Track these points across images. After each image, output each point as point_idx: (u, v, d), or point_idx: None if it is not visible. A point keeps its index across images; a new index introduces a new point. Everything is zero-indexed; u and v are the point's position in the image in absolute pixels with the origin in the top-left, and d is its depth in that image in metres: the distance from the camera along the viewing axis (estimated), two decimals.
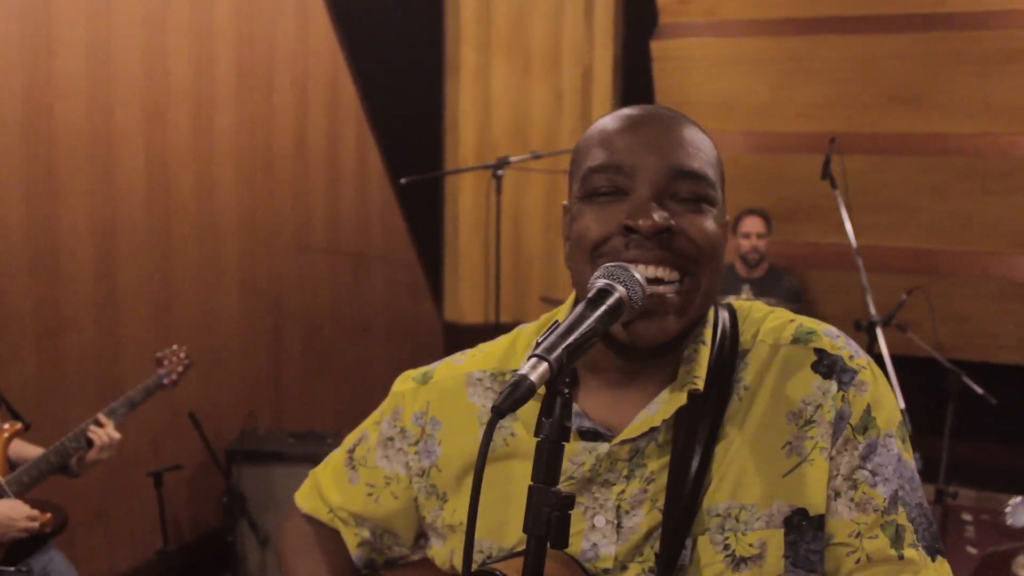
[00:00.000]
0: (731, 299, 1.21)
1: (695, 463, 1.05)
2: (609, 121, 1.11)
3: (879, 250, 4.79)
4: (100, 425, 2.65)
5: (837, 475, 1.05)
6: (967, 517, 4.57)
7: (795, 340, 1.09)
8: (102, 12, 3.30)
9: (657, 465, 1.07)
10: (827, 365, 1.07)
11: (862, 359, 1.08)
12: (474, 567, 1.15)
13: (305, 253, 4.36)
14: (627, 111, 1.12)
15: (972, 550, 4.21)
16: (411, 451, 1.23)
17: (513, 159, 4.05)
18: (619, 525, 1.07)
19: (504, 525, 1.14)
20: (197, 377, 3.77)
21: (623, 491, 1.08)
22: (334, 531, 1.32)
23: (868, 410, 1.05)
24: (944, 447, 3.96)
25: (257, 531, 3.58)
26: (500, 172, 4.00)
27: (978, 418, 4.26)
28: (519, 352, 1.21)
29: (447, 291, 5.48)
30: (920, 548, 1.03)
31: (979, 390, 3.87)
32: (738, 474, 1.05)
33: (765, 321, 1.13)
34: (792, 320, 1.12)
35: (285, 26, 4.14)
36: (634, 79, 5.35)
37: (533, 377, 0.86)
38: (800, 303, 4.68)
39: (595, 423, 1.10)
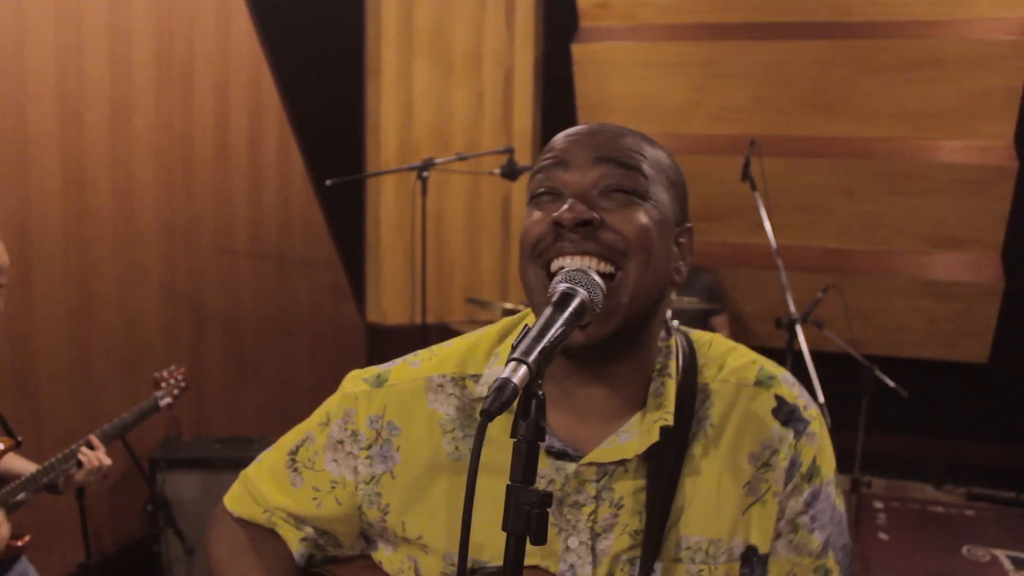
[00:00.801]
0: (687, 329, 1.24)
1: (667, 492, 1.09)
2: (559, 134, 1.15)
3: (795, 249, 4.95)
4: (92, 447, 2.61)
5: (782, 518, 1.12)
6: (879, 505, 4.76)
7: (758, 383, 1.15)
8: (13, 10, 3.19)
9: (625, 490, 1.10)
10: (786, 413, 1.13)
11: (813, 410, 1.15)
12: (450, 571, 1.16)
13: (227, 256, 4.28)
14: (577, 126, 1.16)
15: (884, 536, 4.38)
16: (362, 455, 1.21)
17: (438, 161, 4.06)
18: (593, 547, 1.10)
19: (477, 538, 1.13)
20: (117, 383, 3.67)
21: (593, 512, 1.11)
22: (270, 532, 1.29)
23: (814, 460, 1.12)
24: (859, 439, 4.11)
25: (184, 539, 3.50)
26: (425, 174, 4.00)
27: (889, 411, 4.43)
28: (479, 357, 1.21)
29: (369, 293, 5.45)
30: None
31: (891, 384, 4.02)
32: (706, 508, 1.10)
33: (728, 358, 1.18)
34: (754, 361, 1.18)
35: (205, 25, 4.06)
36: (555, 81, 5.41)
37: (515, 380, 0.87)
38: (719, 301, 4.80)
39: (563, 442, 1.12)
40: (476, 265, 5.64)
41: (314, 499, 1.25)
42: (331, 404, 1.28)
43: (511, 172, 4.21)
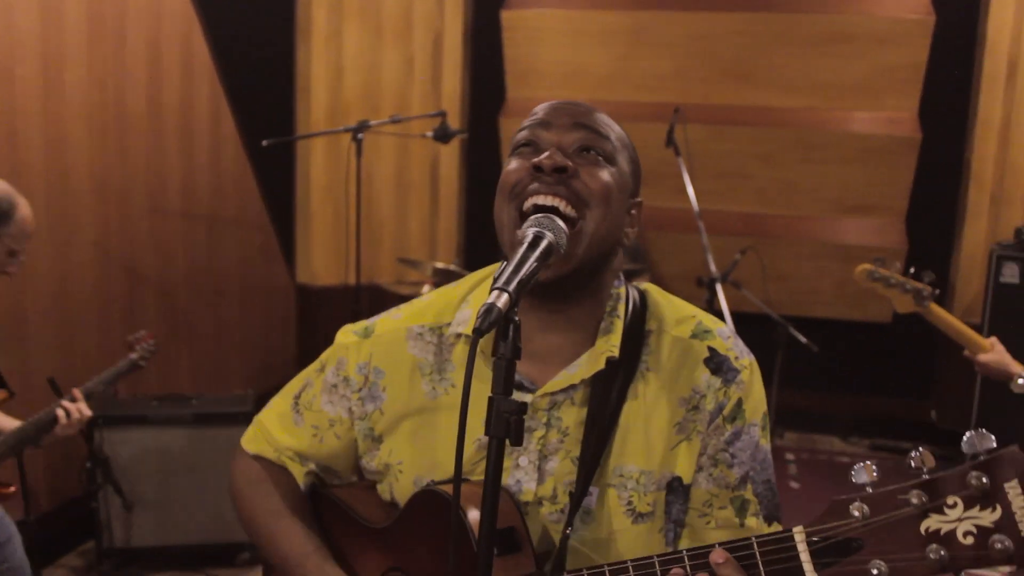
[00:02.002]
0: (645, 284, 1.40)
1: (606, 424, 1.25)
2: (542, 104, 1.31)
3: (715, 213, 5.14)
4: (74, 400, 2.73)
5: (704, 454, 1.28)
6: (790, 456, 5.04)
7: (694, 335, 1.31)
8: None
9: (571, 420, 1.27)
10: (716, 363, 1.29)
11: (745, 360, 1.31)
12: (415, 493, 1.31)
13: (159, 216, 4.27)
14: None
15: (795, 484, 4.66)
16: (354, 397, 1.38)
17: (373, 123, 4.12)
18: (539, 467, 1.26)
19: (435, 465, 1.31)
20: (53, 342, 3.66)
21: (543, 437, 1.27)
22: (281, 467, 1.47)
23: (739, 403, 1.28)
24: (773, 395, 4.36)
25: (123, 495, 3.53)
26: (360, 136, 4.06)
27: (801, 368, 4.70)
28: (452, 306, 1.36)
29: (299, 254, 5.48)
30: (760, 517, 1.30)
31: (803, 339, 4.27)
32: (640, 442, 1.26)
33: (671, 310, 1.34)
34: (694, 316, 1.33)
35: None
36: (484, 47, 5.49)
37: (499, 304, 1.00)
38: (642, 262, 4.98)
39: (521, 377, 1.28)
40: (405, 226, 5.71)
41: (315, 435, 1.43)
42: (326, 354, 1.45)
43: (443, 135, 4.29)
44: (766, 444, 1.32)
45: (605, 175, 1.23)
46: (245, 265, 4.95)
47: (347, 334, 1.43)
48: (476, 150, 5.48)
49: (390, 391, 1.36)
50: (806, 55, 4.98)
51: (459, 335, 1.32)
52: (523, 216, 1.21)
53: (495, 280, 1.04)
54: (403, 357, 1.36)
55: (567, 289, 1.23)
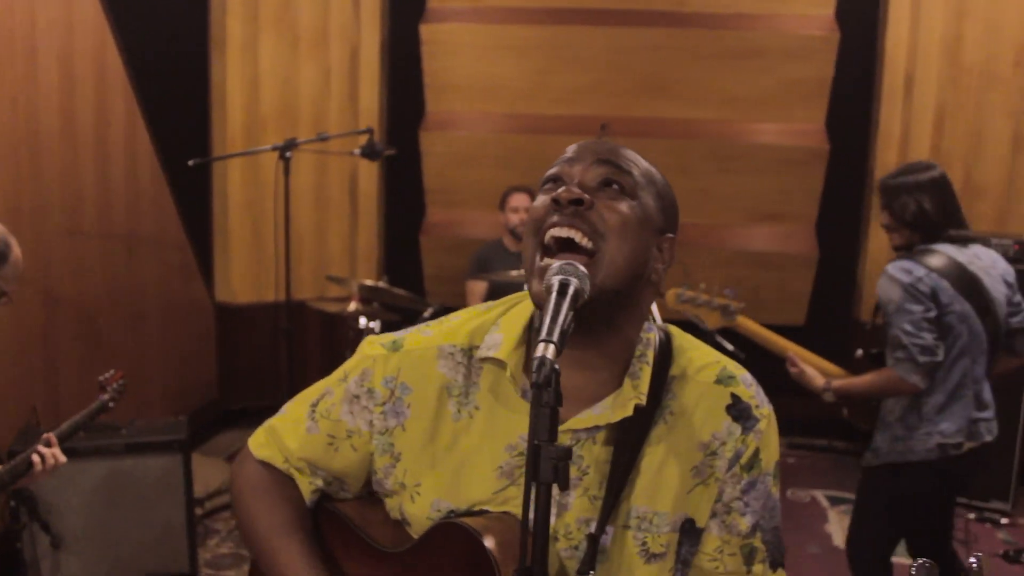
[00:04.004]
0: (668, 326, 1.42)
1: (627, 467, 1.28)
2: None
3: None
4: (49, 445, 2.63)
5: (719, 500, 1.32)
6: None
7: (718, 381, 1.33)
8: None
9: (591, 458, 1.29)
10: (738, 410, 1.32)
11: (765, 409, 1.35)
12: (436, 520, 1.32)
13: (75, 237, 4.11)
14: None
15: None
16: (376, 410, 1.37)
17: (301, 141, 4.07)
18: (557, 502, 1.29)
19: (455, 489, 1.32)
20: None
21: None
22: (288, 478, 1.45)
23: (756, 452, 1.33)
24: None
25: (50, 532, 3.38)
26: (288, 154, 4.00)
27: None
28: (484, 329, 1.36)
29: (217, 272, 5.35)
30: (766, 564, 1.35)
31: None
32: (656, 485, 1.30)
33: (695, 356, 1.36)
34: (718, 361, 1.36)
35: None
36: (402, 60, 5.47)
37: (549, 355, 1.05)
38: None
39: None
40: (324, 242, 5.65)
41: (330, 444, 1.41)
42: (350, 363, 1.42)
43: (371, 153, 4.28)
44: (776, 492, 1.37)
45: (623, 207, 1.24)
46: (164, 285, 4.80)
47: (373, 345, 1.41)
48: (396, 165, 5.46)
49: (415, 408, 1.35)
50: (719, 69, 5.14)
51: (486, 359, 1.33)
52: (544, 248, 1.24)
53: (537, 331, 1.09)
54: (432, 375, 1.35)
55: (590, 322, 1.24)
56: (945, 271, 2.84)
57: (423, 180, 5.59)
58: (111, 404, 3.03)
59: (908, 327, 2.79)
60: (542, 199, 1.27)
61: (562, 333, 1.07)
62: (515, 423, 1.30)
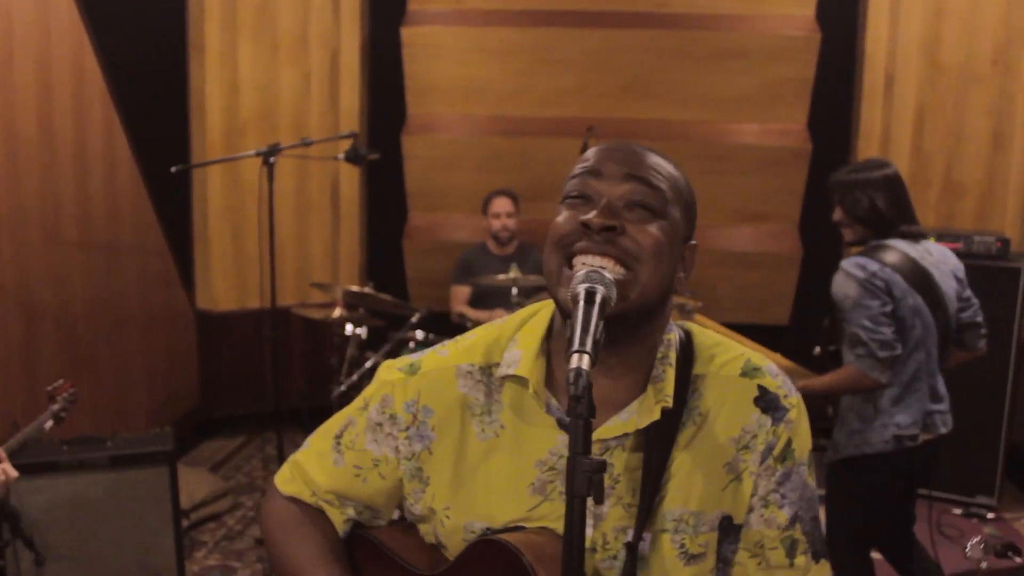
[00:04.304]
0: (685, 324, 1.40)
1: (659, 471, 1.26)
2: (596, 148, 1.31)
3: None
4: None
5: (755, 494, 1.30)
6: None
7: (743, 374, 1.31)
8: None
9: (621, 466, 1.27)
10: (766, 402, 1.29)
11: (793, 398, 1.32)
12: (472, 540, 1.30)
13: (55, 246, 4.03)
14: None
15: None
16: (401, 436, 1.35)
17: (284, 146, 4.01)
18: (593, 513, 1.26)
19: (485, 509, 1.29)
20: None
21: None
22: (319, 510, 1.44)
23: (789, 443, 1.30)
24: None
25: (35, 550, 3.30)
26: (272, 159, 3.95)
27: None
28: (502, 346, 1.34)
29: (198, 279, 5.28)
30: (808, 555, 1.33)
31: None
32: (689, 485, 1.27)
33: (717, 351, 1.34)
34: (741, 354, 1.34)
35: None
36: (383, 64, 5.43)
37: (584, 366, 1.03)
38: None
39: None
40: (306, 248, 5.59)
41: (357, 475, 1.39)
42: (369, 391, 1.40)
43: (356, 157, 4.23)
44: (813, 482, 1.34)
45: (655, 231, 1.22)
46: (145, 293, 4.73)
47: (391, 371, 1.39)
48: (378, 169, 5.40)
49: (439, 431, 1.33)
50: (701, 70, 5.14)
51: (507, 377, 1.30)
52: (570, 266, 1.21)
53: (569, 342, 1.06)
54: (453, 395, 1.33)
55: (617, 334, 1.22)
56: (898, 266, 2.88)
57: (405, 184, 5.56)
58: (62, 415, 2.96)
59: (867, 323, 2.82)
60: (568, 215, 1.24)
61: (595, 343, 1.06)
62: (543, 438, 1.28)
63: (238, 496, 4.51)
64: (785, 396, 1.31)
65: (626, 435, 1.26)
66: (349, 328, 4.62)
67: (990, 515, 4.54)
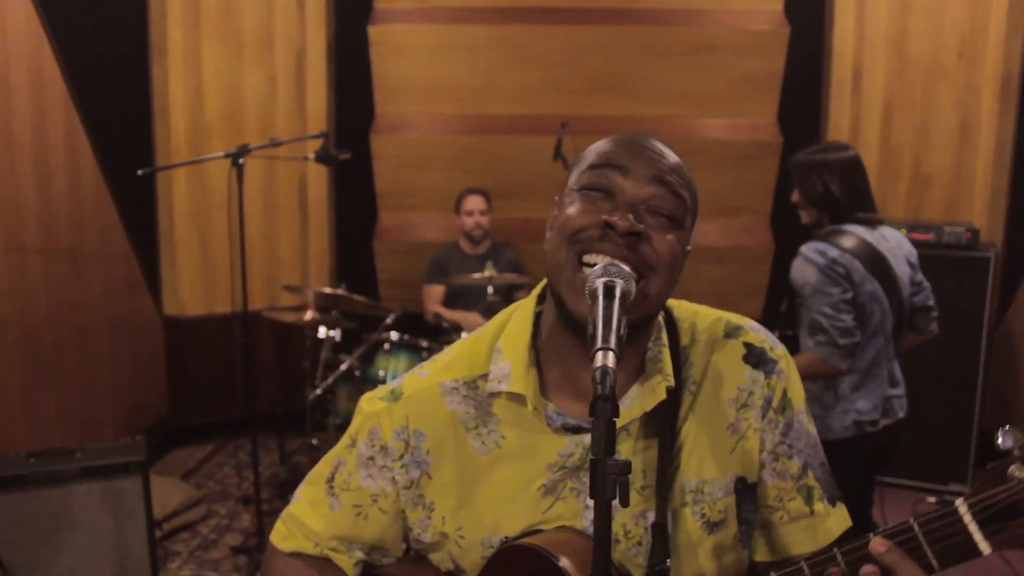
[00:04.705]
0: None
1: (669, 449, 1.24)
2: (614, 137, 1.25)
3: None
4: None
5: (764, 450, 1.28)
6: None
7: (727, 335, 1.30)
8: None
9: (627, 452, 1.24)
10: (755, 356, 1.29)
11: (780, 350, 1.31)
12: (488, 553, 1.26)
13: (17, 253, 3.93)
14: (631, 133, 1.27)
15: None
16: (396, 466, 1.30)
17: (253, 147, 3.93)
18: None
19: (498, 523, 1.26)
20: None
21: None
22: (325, 560, 1.37)
23: (784, 393, 1.29)
24: None
25: (3, 566, 3.22)
26: (241, 160, 3.87)
27: None
28: (482, 357, 1.30)
29: (165, 285, 5.18)
30: (824, 500, 1.32)
31: None
32: (699, 454, 1.26)
33: (697, 320, 1.33)
34: (720, 317, 1.33)
35: None
36: (350, 63, 5.36)
37: (610, 364, 0.99)
38: (522, 272, 5.00)
39: (578, 419, 1.25)
40: (274, 250, 5.51)
41: (358, 514, 1.33)
42: (354, 427, 1.35)
43: (327, 158, 4.16)
44: (813, 429, 1.34)
45: (674, 241, 1.19)
46: (110, 300, 4.63)
47: (372, 402, 1.34)
48: (346, 169, 5.31)
49: (435, 453, 1.29)
50: (670, 66, 5.14)
51: (499, 393, 1.26)
52: (581, 263, 1.17)
53: (592, 339, 1.02)
54: (443, 415, 1.29)
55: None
56: (857, 251, 2.88)
57: (374, 184, 5.49)
58: None
59: (827, 310, 2.82)
60: (586, 208, 1.18)
61: (619, 339, 1.02)
62: (549, 443, 1.25)
63: (211, 504, 4.42)
64: (771, 348, 1.30)
65: (632, 422, 1.24)
66: (322, 331, 4.56)
67: None
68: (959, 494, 4.59)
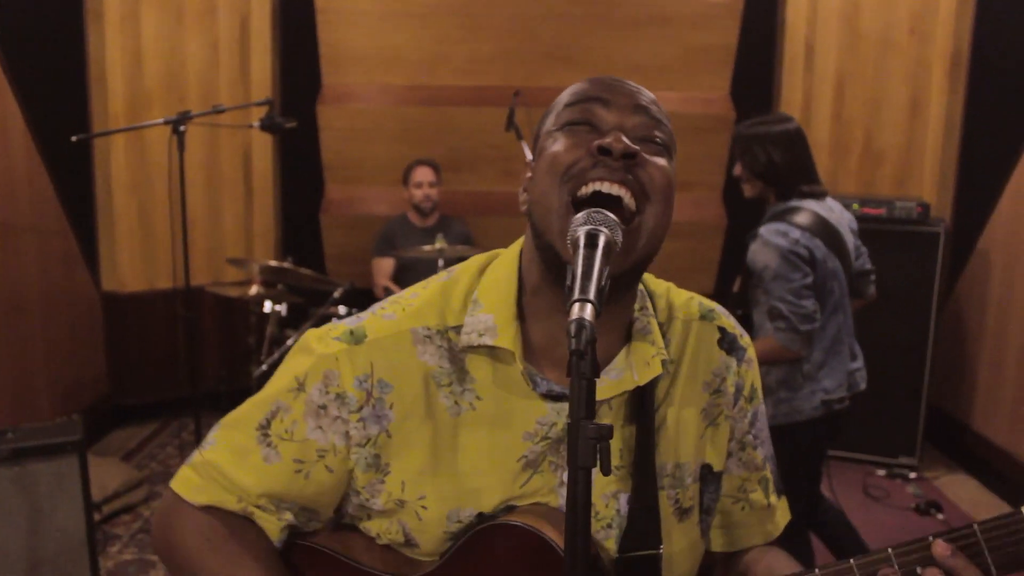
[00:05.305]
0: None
1: (649, 429, 1.17)
2: (585, 79, 1.17)
3: None
4: None
5: (733, 438, 1.25)
6: None
7: (702, 317, 1.24)
8: None
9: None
10: (728, 342, 1.24)
11: (747, 338, 1.27)
12: (463, 529, 1.16)
13: None
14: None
15: None
16: (353, 419, 1.15)
17: (196, 114, 3.78)
18: None
19: (469, 494, 1.15)
20: None
21: None
22: (246, 520, 1.20)
23: (752, 384, 1.26)
24: None
25: None
26: (183, 128, 3.72)
27: None
28: (456, 306, 1.18)
29: (103, 259, 4.99)
30: (775, 493, 1.30)
31: None
32: (674, 437, 1.19)
33: (671, 296, 1.26)
34: (692, 297, 1.27)
35: None
36: (296, 30, 5.21)
37: (588, 316, 0.89)
38: (472, 245, 4.92)
39: (563, 387, 1.15)
40: (218, 223, 5.35)
41: (298, 471, 1.17)
42: (300, 369, 1.18)
43: (272, 126, 4.03)
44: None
45: (667, 167, 1.11)
46: (45, 276, 4.44)
47: (326, 342, 1.17)
48: (292, 140, 5.18)
49: (399, 408, 1.14)
50: (622, 38, 5.06)
51: (477, 347, 1.15)
52: (576, 202, 1.06)
53: (569, 289, 0.92)
54: (413, 365, 1.15)
55: (614, 290, 1.07)
56: (816, 229, 2.84)
57: (321, 156, 5.35)
58: None
59: (789, 296, 2.78)
60: (573, 141, 1.09)
61: (599, 291, 0.92)
62: (528, 409, 1.14)
63: (153, 486, 4.29)
64: (740, 336, 1.27)
65: (617, 395, 1.15)
66: (268, 305, 4.44)
67: (912, 475, 4.63)
68: (908, 467, 4.63)
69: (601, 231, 0.99)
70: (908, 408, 4.65)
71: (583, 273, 0.93)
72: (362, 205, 5.51)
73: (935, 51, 4.94)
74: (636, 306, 1.19)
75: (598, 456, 0.88)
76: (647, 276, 1.26)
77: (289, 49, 5.28)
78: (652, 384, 1.17)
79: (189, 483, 1.20)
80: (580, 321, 0.88)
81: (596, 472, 1.11)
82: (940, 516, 4.18)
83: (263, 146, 5.30)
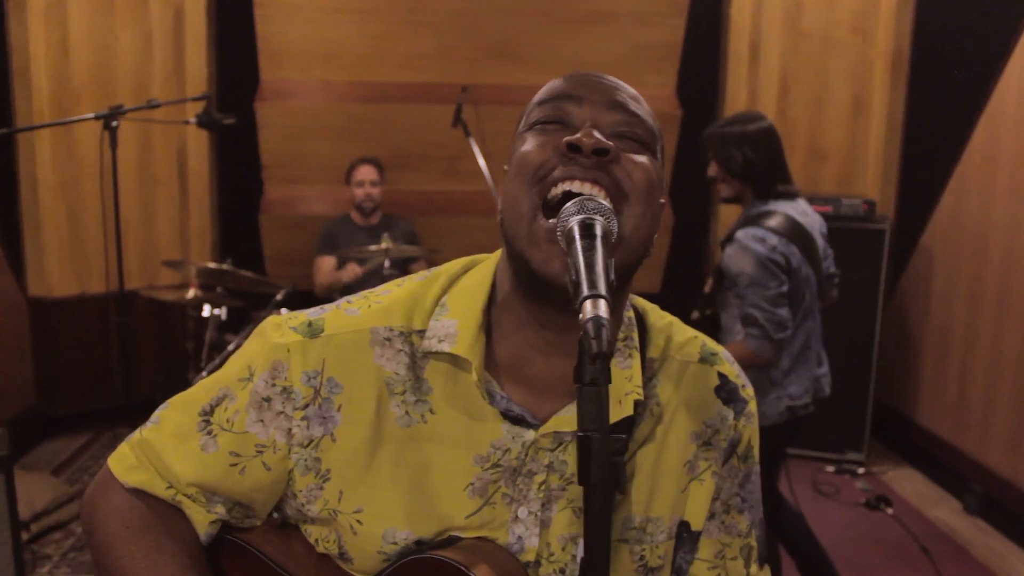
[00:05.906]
0: (634, 299, 1.17)
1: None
2: (562, 76, 1.08)
3: (484, 195, 5.04)
4: None
5: (718, 498, 1.14)
6: None
7: (702, 359, 1.14)
8: None
9: (574, 462, 1.06)
10: (728, 391, 1.14)
11: (749, 390, 1.17)
12: (398, 553, 1.07)
13: None
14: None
15: None
16: (297, 416, 1.06)
17: (128, 108, 3.61)
18: (540, 519, 1.06)
19: (416, 514, 1.06)
20: None
21: (544, 482, 1.06)
22: (175, 509, 1.12)
23: (750, 442, 1.16)
24: None
25: None
26: (115, 123, 3.55)
27: None
28: (426, 309, 1.09)
29: (29, 263, 4.76)
30: (757, 563, 1.18)
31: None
32: (651, 487, 1.09)
33: (672, 332, 1.15)
34: (696, 336, 1.16)
35: None
36: (233, 24, 5.04)
37: (604, 313, 0.80)
38: (418, 244, 4.82)
39: (521, 408, 1.06)
40: (151, 225, 5.16)
41: (234, 465, 1.09)
42: (252, 355, 1.10)
43: (209, 122, 3.89)
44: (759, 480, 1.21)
45: (647, 164, 1.01)
46: None
47: (282, 330, 1.09)
48: (228, 139, 5.00)
49: (347, 412, 1.06)
50: (568, 34, 5.01)
51: (438, 353, 1.05)
52: (547, 205, 0.97)
53: (575, 287, 0.84)
54: (367, 368, 1.06)
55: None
56: (792, 235, 2.80)
57: (260, 155, 5.19)
58: None
59: (764, 304, 2.74)
60: (542, 140, 1.00)
61: (608, 284, 0.83)
62: (482, 430, 1.05)
63: None
64: (743, 387, 1.16)
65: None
66: (206, 309, 4.27)
67: (860, 470, 4.67)
68: (856, 462, 4.66)
69: (596, 219, 0.91)
70: (855, 404, 4.68)
71: (586, 266, 0.85)
72: (303, 204, 5.36)
73: (877, 50, 4.99)
74: (620, 335, 1.08)
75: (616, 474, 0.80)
76: (649, 307, 1.17)
77: (225, 43, 5.11)
78: (627, 424, 1.07)
79: (124, 461, 1.14)
80: (598, 320, 0.79)
81: (559, 511, 1.06)
82: (889, 511, 4.21)
83: (199, 143, 5.12)
